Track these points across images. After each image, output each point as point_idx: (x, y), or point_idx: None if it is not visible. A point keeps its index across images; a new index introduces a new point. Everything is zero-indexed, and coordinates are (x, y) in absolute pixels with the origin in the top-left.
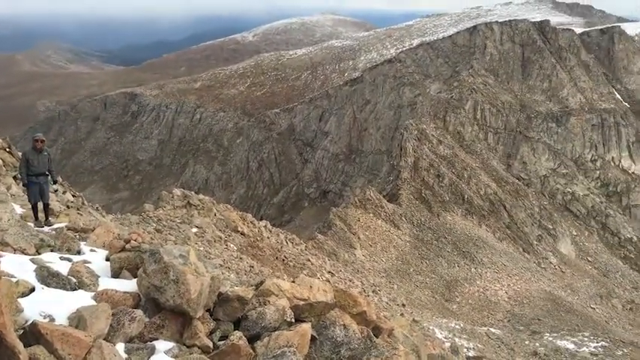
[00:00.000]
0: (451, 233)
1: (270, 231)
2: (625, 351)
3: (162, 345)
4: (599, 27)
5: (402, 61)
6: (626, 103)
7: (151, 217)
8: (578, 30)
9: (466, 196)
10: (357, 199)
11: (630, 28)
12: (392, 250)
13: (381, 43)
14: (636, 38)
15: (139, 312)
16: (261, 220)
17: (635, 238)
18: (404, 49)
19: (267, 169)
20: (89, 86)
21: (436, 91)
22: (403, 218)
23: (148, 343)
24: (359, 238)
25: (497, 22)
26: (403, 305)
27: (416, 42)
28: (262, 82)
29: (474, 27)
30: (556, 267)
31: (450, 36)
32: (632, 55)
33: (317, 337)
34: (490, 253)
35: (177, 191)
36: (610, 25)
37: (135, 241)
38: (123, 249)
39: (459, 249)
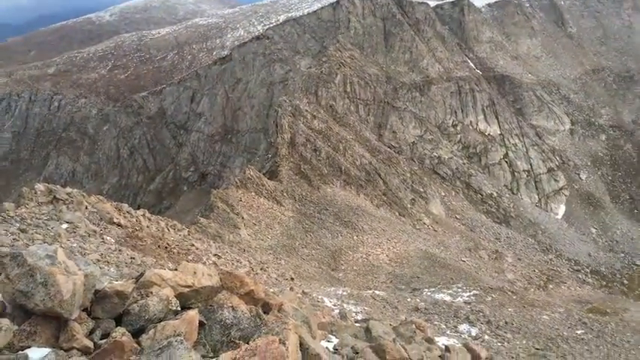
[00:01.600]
0: (332, 205)
1: (150, 219)
2: (494, 296)
3: (36, 352)
4: (451, 0)
5: (270, 37)
6: (479, 71)
7: (12, 217)
8: (432, 3)
9: (343, 168)
10: (237, 180)
11: (478, 1)
12: (276, 226)
13: (247, 20)
14: (482, 10)
15: (4, 321)
16: (138, 208)
17: (494, 194)
18: (271, 25)
19: (139, 155)
20: None
21: (306, 66)
22: (285, 194)
23: (20, 352)
24: (242, 217)
25: None
26: (292, 279)
27: (282, 18)
28: (125, 65)
29: (337, 2)
30: (429, 227)
31: (315, 11)
32: (481, 26)
33: (205, 322)
34: (370, 220)
35: (41, 186)
36: None
37: None
38: None
39: (341, 219)
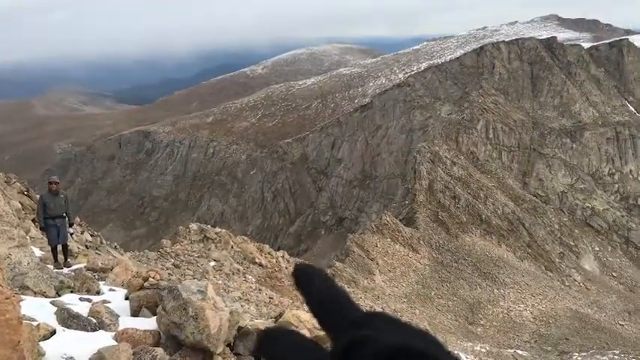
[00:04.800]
0: (471, 254)
1: (288, 261)
2: None
3: None
4: (607, 41)
5: (411, 85)
6: None
7: (168, 253)
8: (586, 45)
9: (484, 216)
10: (373, 225)
11: (638, 40)
12: (411, 274)
13: (389, 69)
14: None
15: (159, 350)
16: (278, 250)
17: None
18: (412, 73)
19: (282, 199)
20: (104, 126)
21: (447, 112)
22: (421, 242)
23: None
24: (377, 263)
25: (504, 41)
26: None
27: (424, 65)
28: (273, 113)
29: (481, 47)
30: (580, 284)
31: (458, 58)
32: None
33: None
34: (512, 273)
35: (194, 225)
36: (618, 39)
37: (153, 278)
38: (142, 287)
39: (480, 270)
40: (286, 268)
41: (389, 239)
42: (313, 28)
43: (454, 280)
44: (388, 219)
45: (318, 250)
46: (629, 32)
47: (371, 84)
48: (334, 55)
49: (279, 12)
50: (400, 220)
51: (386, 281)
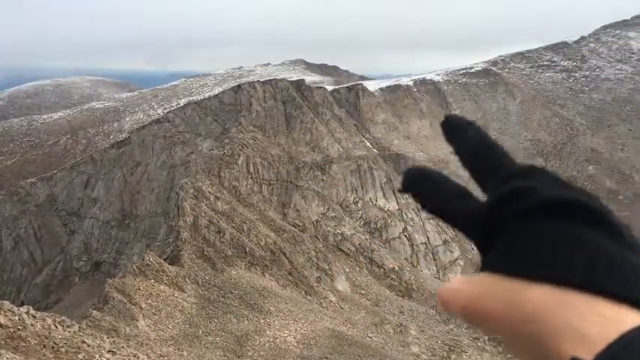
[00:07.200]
0: (237, 287)
1: (34, 317)
2: None
3: None
4: (346, 85)
5: (171, 120)
6: (375, 150)
7: None
8: (329, 87)
9: (248, 249)
10: (135, 267)
11: (371, 85)
12: (178, 314)
13: (147, 104)
14: (376, 93)
15: None
16: (21, 305)
17: (396, 268)
18: (172, 108)
19: (25, 246)
20: None
21: (208, 148)
22: (187, 279)
23: None
24: (141, 307)
25: (259, 81)
26: None
27: (183, 101)
28: (12, 150)
29: (239, 86)
30: (335, 304)
31: (217, 95)
32: (375, 108)
33: None
34: (276, 301)
35: None
36: (354, 83)
37: None
38: None
39: (246, 302)
40: (32, 325)
41: (152, 280)
42: (58, 58)
43: (222, 315)
44: (151, 259)
45: (72, 300)
46: (363, 78)
47: (128, 119)
48: (85, 88)
49: (12, 39)
50: (164, 260)
51: (150, 325)
